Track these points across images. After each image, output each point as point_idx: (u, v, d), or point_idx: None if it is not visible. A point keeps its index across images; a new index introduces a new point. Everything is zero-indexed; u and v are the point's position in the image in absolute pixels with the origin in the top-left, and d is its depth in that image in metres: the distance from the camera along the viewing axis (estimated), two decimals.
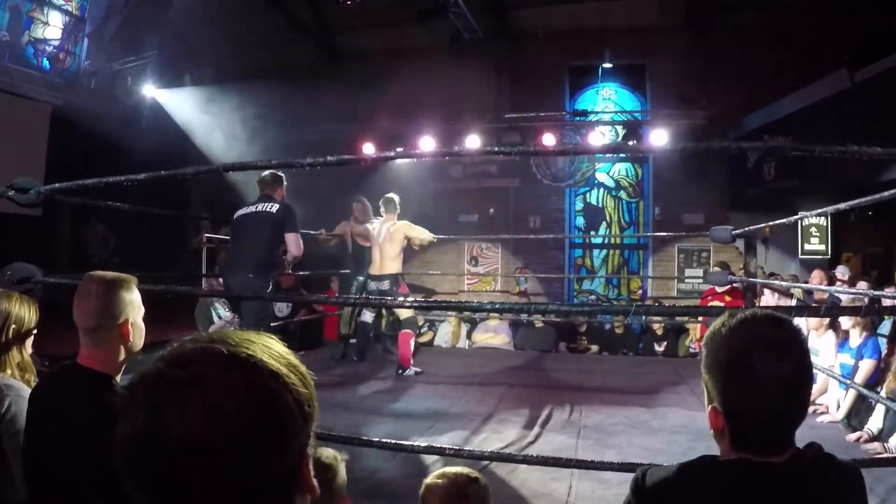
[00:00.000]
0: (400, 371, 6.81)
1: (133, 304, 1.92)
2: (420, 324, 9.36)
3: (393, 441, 3.46)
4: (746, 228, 5.50)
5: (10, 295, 2.37)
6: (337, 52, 12.44)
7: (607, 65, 11.27)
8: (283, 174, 5.56)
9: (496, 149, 3.87)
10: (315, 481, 0.79)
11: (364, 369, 7.09)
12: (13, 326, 2.29)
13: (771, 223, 4.89)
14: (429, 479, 2.01)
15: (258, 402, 0.70)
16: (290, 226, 5.24)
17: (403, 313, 7.10)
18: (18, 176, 3.33)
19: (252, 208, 5.43)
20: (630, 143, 10.72)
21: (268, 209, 5.32)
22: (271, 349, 0.77)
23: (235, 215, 5.55)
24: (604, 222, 12.07)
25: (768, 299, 7.11)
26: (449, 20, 9.96)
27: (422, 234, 7.23)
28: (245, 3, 10.32)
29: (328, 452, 2.05)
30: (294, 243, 5.22)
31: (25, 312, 2.35)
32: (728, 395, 1.21)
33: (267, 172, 5.49)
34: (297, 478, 0.76)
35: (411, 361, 6.90)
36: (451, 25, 10.14)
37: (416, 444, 3.53)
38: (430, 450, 3.46)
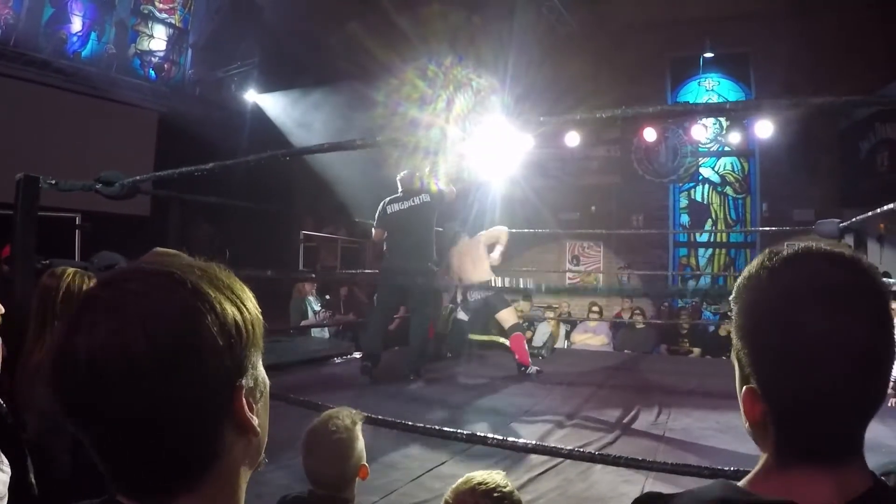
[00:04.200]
0: (522, 369, 6.65)
1: None
2: None
3: (465, 432, 3.43)
4: (853, 219, 5.15)
5: (66, 270, 2.34)
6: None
7: (709, 54, 10.83)
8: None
9: (600, 114, 3.61)
10: (256, 421, 0.74)
11: (457, 366, 7.13)
12: (61, 304, 2.22)
13: (874, 211, 4.52)
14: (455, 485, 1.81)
15: (171, 319, 0.67)
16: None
17: (508, 321, 6.90)
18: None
19: (409, 202, 6.10)
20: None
21: (423, 200, 6.13)
22: (211, 273, 0.74)
23: (389, 211, 6.13)
24: (709, 220, 11.59)
25: None
26: (542, 14, 9.86)
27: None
28: (349, 4, 10.55)
29: (345, 412, 2.00)
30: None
31: (76, 287, 2.28)
32: (767, 370, 0.81)
33: (406, 172, 6.16)
34: (226, 410, 0.71)
35: (530, 360, 6.77)
36: (543, 20, 10.03)
37: (488, 435, 3.48)
38: (503, 444, 3.41)
